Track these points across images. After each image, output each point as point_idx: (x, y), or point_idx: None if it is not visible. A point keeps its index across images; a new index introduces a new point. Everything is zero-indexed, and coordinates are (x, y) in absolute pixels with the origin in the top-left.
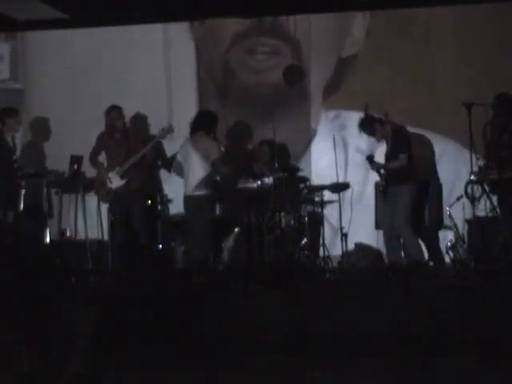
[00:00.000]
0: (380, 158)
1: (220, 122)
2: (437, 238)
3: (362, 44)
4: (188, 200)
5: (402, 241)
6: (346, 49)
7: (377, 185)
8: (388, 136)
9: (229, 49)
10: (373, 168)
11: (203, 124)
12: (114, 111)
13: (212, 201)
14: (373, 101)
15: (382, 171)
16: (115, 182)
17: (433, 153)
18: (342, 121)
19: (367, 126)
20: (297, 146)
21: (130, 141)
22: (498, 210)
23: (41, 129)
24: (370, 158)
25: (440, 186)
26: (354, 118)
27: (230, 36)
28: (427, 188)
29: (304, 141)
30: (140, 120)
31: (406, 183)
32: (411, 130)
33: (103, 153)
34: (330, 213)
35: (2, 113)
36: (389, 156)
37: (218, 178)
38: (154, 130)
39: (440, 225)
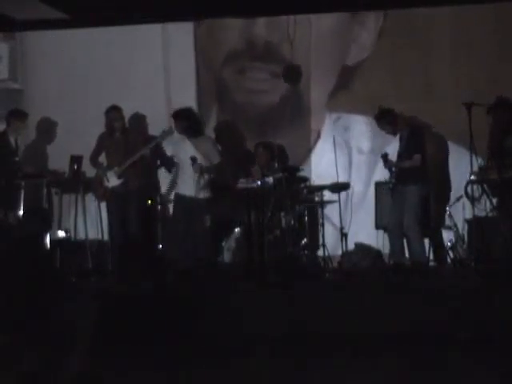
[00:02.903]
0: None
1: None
2: (441, 238)
3: (371, 50)
4: (191, 200)
5: (406, 240)
6: (351, 57)
7: (377, 184)
8: (403, 134)
9: (222, 68)
10: (385, 166)
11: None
12: (113, 112)
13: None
14: (374, 102)
15: (394, 169)
16: (112, 181)
17: (447, 153)
18: (344, 122)
19: (385, 117)
20: (296, 157)
21: (129, 141)
22: (498, 210)
23: (46, 130)
24: (385, 157)
25: (450, 188)
26: (357, 119)
27: (223, 56)
28: (437, 188)
29: (304, 153)
30: (139, 120)
31: (417, 183)
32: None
33: (103, 153)
34: (332, 213)
35: (9, 114)
36: (402, 154)
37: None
38: (153, 129)
39: (440, 225)
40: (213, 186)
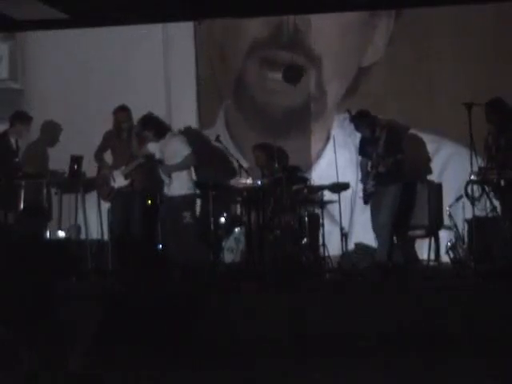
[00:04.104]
0: None
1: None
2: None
3: (384, 52)
4: (184, 199)
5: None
6: (367, 58)
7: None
8: (382, 135)
9: (246, 58)
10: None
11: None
12: (121, 112)
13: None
14: (375, 102)
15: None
16: (118, 181)
17: (426, 153)
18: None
19: (364, 120)
20: (306, 160)
21: (137, 142)
22: (498, 210)
23: (49, 132)
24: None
25: (439, 186)
26: None
27: (249, 43)
28: (414, 189)
29: (314, 154)
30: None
31: (392, 184)
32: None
33: (110, 153)
34: (335, 212)
35: (14, 116)
36: (381, 156)
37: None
38: None
39: (440, 225)
40: (198, 184)
